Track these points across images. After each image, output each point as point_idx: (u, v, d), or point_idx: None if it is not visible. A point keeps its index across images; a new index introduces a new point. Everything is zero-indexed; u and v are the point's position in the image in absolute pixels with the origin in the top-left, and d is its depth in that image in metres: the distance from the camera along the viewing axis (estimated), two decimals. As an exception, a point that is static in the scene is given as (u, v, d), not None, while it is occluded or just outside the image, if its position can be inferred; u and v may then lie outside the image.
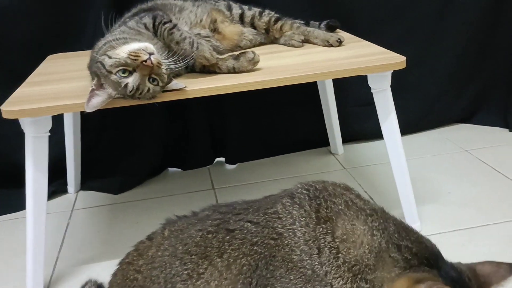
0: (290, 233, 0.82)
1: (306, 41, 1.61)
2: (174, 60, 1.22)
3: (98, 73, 1.17)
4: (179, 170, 2.07)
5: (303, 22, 1.71)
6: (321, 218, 0.82)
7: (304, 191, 0.85)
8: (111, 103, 1.19)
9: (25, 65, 1.76)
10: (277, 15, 1.64)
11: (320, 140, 2.15)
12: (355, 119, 2.14)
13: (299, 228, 0.81)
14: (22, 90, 1.34)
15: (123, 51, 1.16)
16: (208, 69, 1.35)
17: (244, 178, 1.95)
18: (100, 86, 1.18)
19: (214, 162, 2.10)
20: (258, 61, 1.34)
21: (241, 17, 1.62)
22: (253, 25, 1.63)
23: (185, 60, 1.26)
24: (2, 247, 1.60)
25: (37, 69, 1.58)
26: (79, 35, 1.85)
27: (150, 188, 1.93)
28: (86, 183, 1.95)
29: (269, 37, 1.65)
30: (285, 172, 1.97)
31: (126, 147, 1.96)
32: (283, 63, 1.42)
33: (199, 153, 2.06)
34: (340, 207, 0.82)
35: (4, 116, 1.18)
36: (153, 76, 1.17)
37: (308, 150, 2.15)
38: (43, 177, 1.29)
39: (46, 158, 1.30)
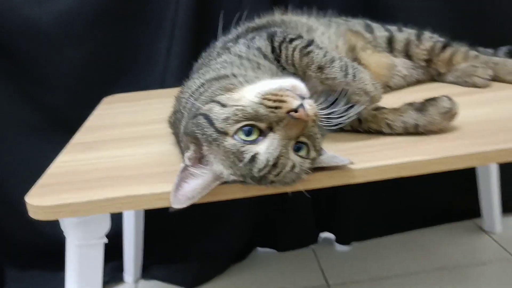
0: None
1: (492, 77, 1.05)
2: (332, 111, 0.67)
3: (198, 136, 0.64)
4: (273, 250, 1.54)
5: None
6: None
7: None
8: (215, 192, 0.66)
9: (71, 108, 1.36)
10: (444, 39, 1.10)
11: (464, 210, 1.58)
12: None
13: None
14: (63, 160, 0.82)
15: (250, 93, 0.63)
16: (362, 127, 0.80)
17: (367, 268, 1.39)
18: (198, 159, 0.65)
19: (319, 239, 1.55)
20: (456, 114, 0.78)
21: (389, 42, 1.09)
22: (407, 54, 1.09)
23: (348, 113, 0.69)
24: None
25: (88, 119, 1.10)
26: (143, 70, 1.40)
27: (236, 281, 1.41)
28: (149, 270, 1.46)
29: (429, 72, 1.11)
30: (423, 260, 1.41)
31: (202, 223, 1.45)
32: (477, 115, 0.86)
33: (299, 227, 1.53)
34: None
35: (32, 215, 0.67)
36: (302, 139, 0.63)
37: (446, 224, 1.57)
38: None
39: (100, 275, 0.78)
